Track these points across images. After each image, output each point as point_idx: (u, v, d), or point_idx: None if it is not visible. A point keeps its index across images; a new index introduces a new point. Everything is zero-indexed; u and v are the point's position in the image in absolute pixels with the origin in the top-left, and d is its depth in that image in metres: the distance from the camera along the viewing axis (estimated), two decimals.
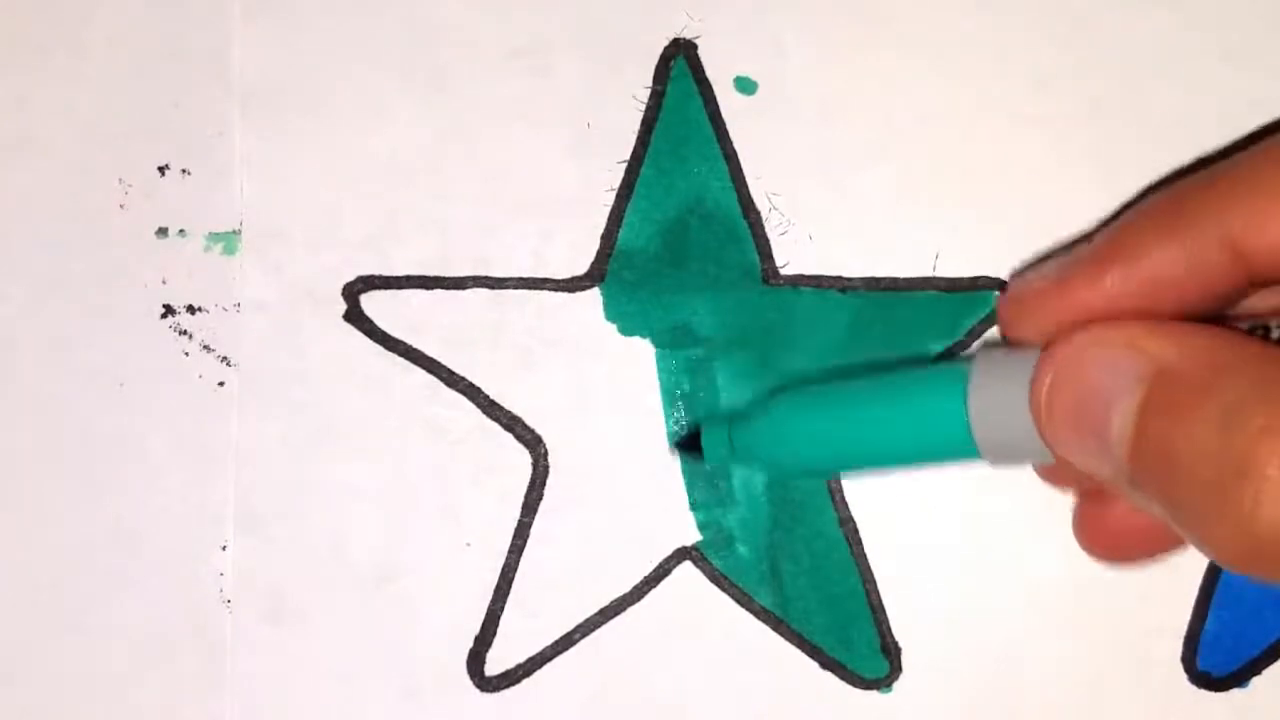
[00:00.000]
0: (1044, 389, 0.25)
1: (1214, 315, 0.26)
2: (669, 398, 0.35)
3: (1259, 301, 0.27)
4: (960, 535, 0.35)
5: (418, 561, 0.35)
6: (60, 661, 0.34)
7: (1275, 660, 0.35)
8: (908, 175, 0.36)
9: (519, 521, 0.35)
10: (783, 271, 0.36)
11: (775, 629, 0.35)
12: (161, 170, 0.36)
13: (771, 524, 0.35)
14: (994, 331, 0.35)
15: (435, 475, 0.35)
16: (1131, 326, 0.24)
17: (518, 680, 0.35)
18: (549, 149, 0.36)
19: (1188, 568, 0.35)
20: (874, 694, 0.35)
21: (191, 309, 0.35)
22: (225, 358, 0.35)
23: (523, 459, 0.35)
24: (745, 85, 0.36)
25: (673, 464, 0.35)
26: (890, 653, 0.35)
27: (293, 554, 0.34)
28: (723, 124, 0.36)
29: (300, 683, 0.34)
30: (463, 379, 0.35)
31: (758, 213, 0.36)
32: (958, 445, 0.27)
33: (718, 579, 0.35)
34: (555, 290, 0.35)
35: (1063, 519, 0.35)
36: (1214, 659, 0.35)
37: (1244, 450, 0.21)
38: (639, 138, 0.36)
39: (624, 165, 0.36)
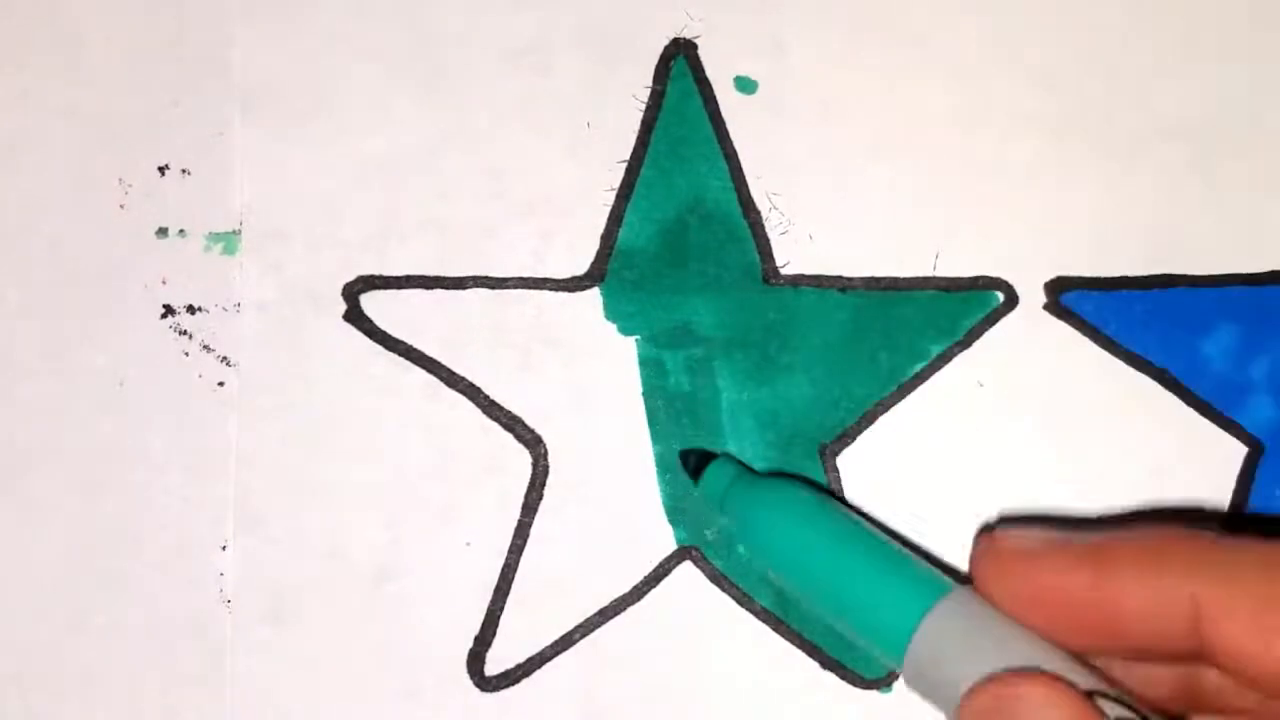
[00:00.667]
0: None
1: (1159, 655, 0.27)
2: (654, 403, 0.35)
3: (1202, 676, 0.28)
4: (960, 535, 0.35)
5: (418, 561, 0.35)
6: (60, 661, 0.34)
7: None
8: (908, 175, 0.36)
9: (519, 521, 0.35)
10: (783, 271, 0.36)
11: (775, 629, 0.35)
12: (161, 170, 0.36)
13: None
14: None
15: (435, 475, 0.35)
16: (1041, 690, 0.25)
17: (518, 680, 0.35)
18: (549, 149, 0.36)
19: None
20: (874, 694, 0.35)
21: (191, 309, 0.35)
22: (225, 358, 0.35)
23: (523, 459, 0.35)
24: (745, 85, 0.36)
25: (672, 464, 0.35)
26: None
27: (293, 554, 0.34)
28: (723, 124, 0.36)
29: (300, 682, 0.34)
30: (463, 379, 0.35)
31: (758, 213, 0.36)
32: (890, 653, 0.28)
33: (718, 579, 0.35)
34: (555, 290, 0.35)
35: (1064, 519, 0.35)
36: None
37: None
38: (639, 138, 0.36)
39: (624, 165, 0.36)
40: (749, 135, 0.36)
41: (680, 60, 0.36)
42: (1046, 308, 0.36)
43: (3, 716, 0.34)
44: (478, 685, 0.34)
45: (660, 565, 0.35)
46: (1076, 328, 0.36)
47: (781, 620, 0.35)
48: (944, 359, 0.35)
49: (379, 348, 0.35)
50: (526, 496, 0.35)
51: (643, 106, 0.36)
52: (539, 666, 0.35)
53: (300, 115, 0.36)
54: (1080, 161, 0.36)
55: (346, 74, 0.36)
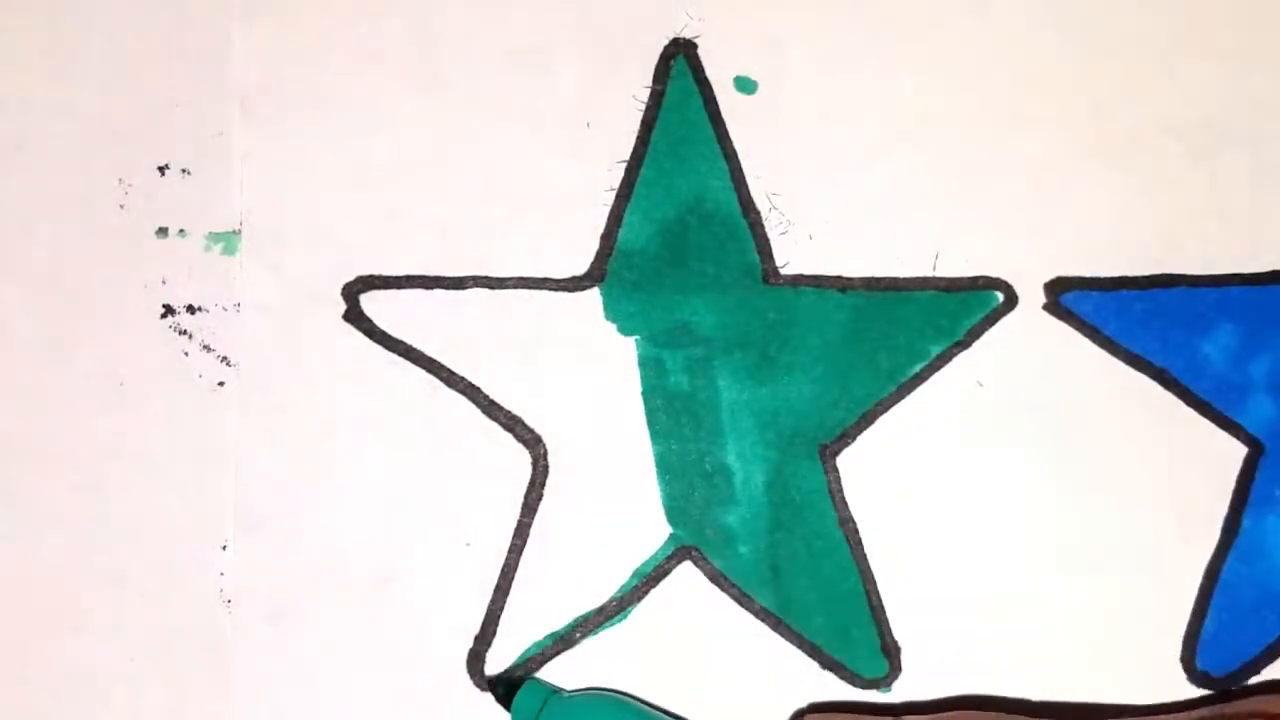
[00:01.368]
0: None
1: None
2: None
3: None
4: (960, 535, 0.35)
5: (418, 561, 0.35)
6: (61, 661, 0.34)
7: (1273, 660, 0.35)
8: (908, 175, 0.36)
9: (519, 521, 0.35)
10: (783, 271, 0.36)
11: (775, 629, 0.35)
12: (161, 170, 0.36)
13: (771, 524, 0.35)
14: None
15: (435, 475, 0.35)
16: None
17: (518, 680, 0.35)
18: (549, 149, 0.36)
19: (1187, 569, 0.35)
20: (874, 694, 0.35)
21: (191, 309, 0.35)
22: (225, 358, 0.35)
23: (523, 459, 0.35)
24: (745, 85, 0.36)
25: (672, 464, 0.35)
26: (890, 653, 0.35)
27: (293, 554, 0.34)
28: (723, 124, 0.36)
29: (300, 682, 0.34)
30: (463, 379, 0.35)
31: (758, 213, 0.36)
32: None
33: (718, 579, 0.35)
34: (555, 290, 0.35)
35: (1063, 520, 0.35)
36: (1213, 659, 0.35)
37: None
38: (639, 138, 0.36)
39: (624, 165, 0.36)
40: (749, 135, 0.36)
41: (680, 60, 0.36)
42: (1046, 308, 0.36)
43: (3, 716, 0.34)
44: (478, 685, 0.34)
45: (660, 565, 0.35)
46: (1076, 328, 0.36)
47: (781, 620, 0.35)
48: (944, 359, 0.35)
49: (379, 348, 0.35)
50: (526, 496, 0.35)
51: (643, 106, 0.36)
52: (539, 667, 0.35)
53: (300, 115, 0.36)
54: (1080, 161, 0.36)
55: (346, 74, 0.36)
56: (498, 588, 0.35)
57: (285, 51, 0.36)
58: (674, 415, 0.35)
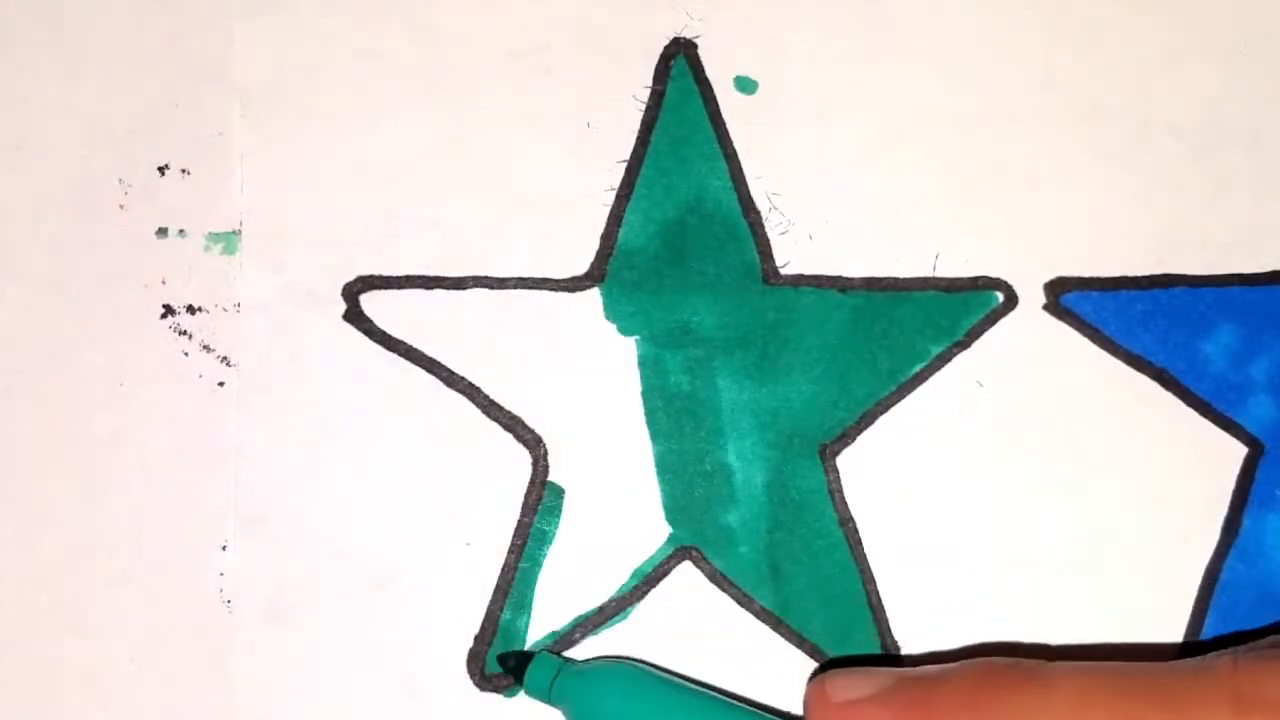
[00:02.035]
0: None
1: None
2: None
3: None
4: (960, 535, 0.35)
5: (418, 561, 0.35)
6: (60, 661, 0.34)
7: None
8: (908, 175, 0.36)
9: (519, 521, 0.35)
10: (783, 271, 0.36)
11: (775, 629, 0.35)
12: (161, 170, 0.36)
13: (771, 524, 0.35)
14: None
15: (435, 475, 0.35)
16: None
17: (518, 680, 0.34)
18: (549, 149, 0.36)
19: (1187, 569, 0.35)
20: None
21: (191, 309, 0.35)
22: (225, 358, 0.35)
23: (523, 459, 0.35)
24: (745, 85, 0.36)
25: (672, 464, 0.35)
26: (890, 653, 0.35)
27: (293, 554, 0.34)
28: (723, 124, 0.36)
29: (300, 683, 0.34)
30: (463, 379, 0.35)
31: (758, 213, 0.36)
32: None
33: (718, 579, 0.35)
34: (555, 290, 0.35)
35: (1063, 519, 0.35)
36: None
37: None
38: (639, 138, 0.36)
39: (624, 165, 0.36)
40: (749, 135, 0.36)
41: (680, 60, 0.36)
42: (1046, 308, 0.36)
43: (3, 716, 0.34)
44: (478, 685, 0.34)
45: (660, 565, 0.35)
46: (1076, 328, 0.36)
47: (781, 620, 0.35)
48: (944, 359, 0.35)
49: (379, 348, 0.35)
50: (526, 496, 0.35)
51: (643, 106, 0.36)
52: None
53: (300, 115, 0.36)
54: (1080, 161, 0.36)
55: (346, 74, 0.36)
56: (497, 588, 0.35)
57: (285, 51, 0.36)
58: (674, 415, 0.35)
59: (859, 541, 0.35)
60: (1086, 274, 0.36)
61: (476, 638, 0.35)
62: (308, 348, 0.35)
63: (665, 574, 0.35)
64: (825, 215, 0.36)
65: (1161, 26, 0.37)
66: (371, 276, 0.35)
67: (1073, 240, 0.36)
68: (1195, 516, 0.35)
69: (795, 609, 0.35)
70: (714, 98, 0.36)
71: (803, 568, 0.35)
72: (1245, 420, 0.35)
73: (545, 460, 0.35)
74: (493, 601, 0.35)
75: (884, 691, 0.30)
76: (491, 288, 0.35)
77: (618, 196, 0.36)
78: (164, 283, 0.35)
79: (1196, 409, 0.35)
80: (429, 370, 0.35)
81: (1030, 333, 0.36)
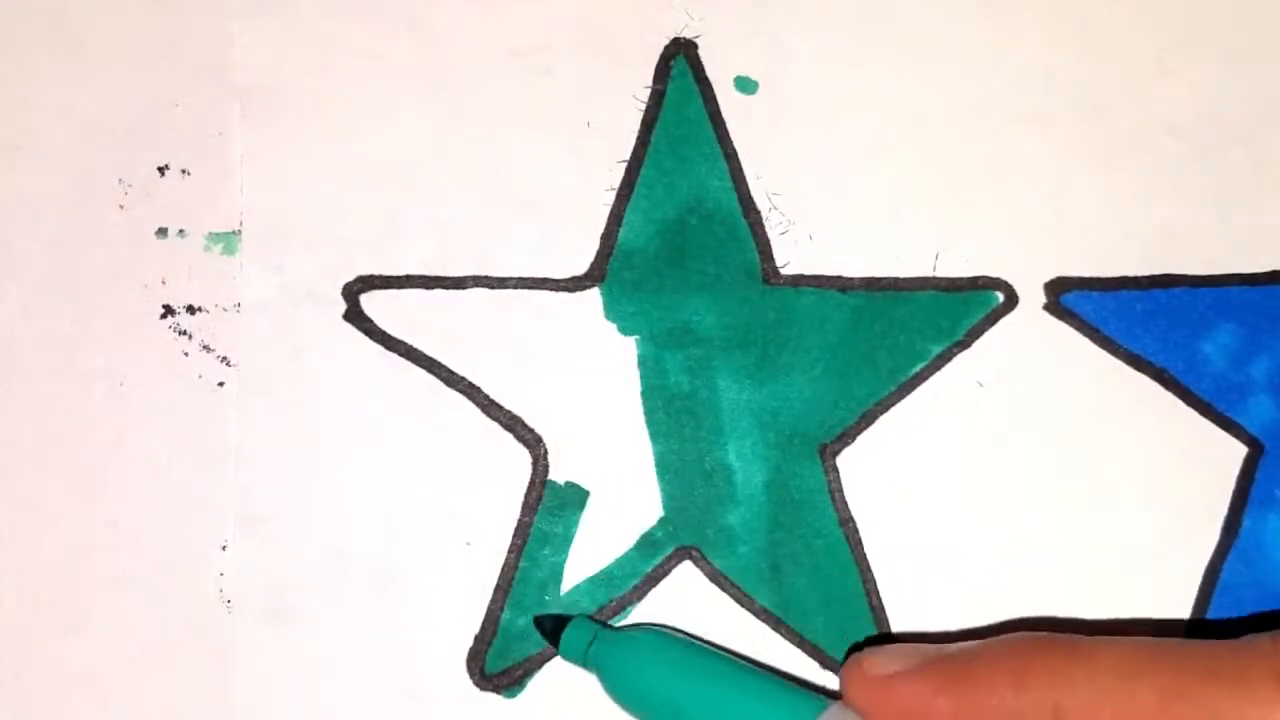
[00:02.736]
0: None
1: None
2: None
3: None
4: (960, 535, 0.35)
5: (418, 561, 0.35)
6: (60, 661, 0.34)
7: None
8: (908, 175, 0.36)
9: (519, 521, 0.35)
10: (783, 271, 0.36)
11: (775, 629, 0.35)
12: (161, 170, 0.36)
13: (771, 524, 0.35)
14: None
15: (435, 475, 0.35)
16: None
17: (518, 680, 0.34)
18: (549, 149, 0.36)
19: (1187, 569, 0.35)
20: None
21: (191, 309, 0.35)
22: (225, 358, 0.35)
23: (523, 459, 0.35)
24: (745, 85, 0.36)
25: (672, 464, 0.35)
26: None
27: (293, 554, 0.34)
28: (723, 124, 0.36)
29: (300, 683, 0.34)
30: (463, 379, 0.35)
31: (758, 212, 0.36)
32: None
33: (718, 579, 0.35)
34: (555, 290, 0.35)
35: (1064, 519, 0.35)
36: None
37: None
38: (639, 137, 0.36)
39: (624, 165, 0.36)
40: (749, 135, 0.36)
41: (680, 60, 0.36)
42: (1046, 308, 0.36)
43: (3, 717, 0.34)
44: (478, 685, 0.34)
45: (660, 565, 0.35)
46: (1076, 328, 0.36)
47: (781, 620, 0.35)
48: (944, 359, 0.35)
49: (379, 347, 0.35)
50: (526, 496, 0.35)
51: (643, 106, 0.36)
52: (539, 667, 0.34)
53: (300, 115, 0.36)
54: (1080, 161, 0.36)
55: (346, 74, 0.36)
56: (497, 587, 0.35)
57: (285, 51, 0.36)
58: (674, 415, 0.35)
59: (859, 541, 0.35)
60: (1086, 274, 0.36)
61: (476, 638, 0.35)
62: (308, 348, 0.35)
63: (665, 574, 0.35)
64: (825, 215, 0.36)
65: (1161, 26, 0.37)
66: (371, 276, 0.35)
67: (1073, 240, 0.36)
68: (1195, 516, 0.35)
69: (795, 609, 0.35)
70: (714, 98, 0.36)
71: (803, 568, 0.35)
72: (1245, 420, 0.35)
73: (545, 460, 0.35)
74: (493, 601, 0.35)
75: (923, 664, 0.29)
76: (491, 287, 0.35)
77: (618, 196, 0.36)
78: (164, 283, 0.35)
79: (1196, 409, 0.35)
80: (429, 370, 0.35)
81: (1030, 333, 0.36)
